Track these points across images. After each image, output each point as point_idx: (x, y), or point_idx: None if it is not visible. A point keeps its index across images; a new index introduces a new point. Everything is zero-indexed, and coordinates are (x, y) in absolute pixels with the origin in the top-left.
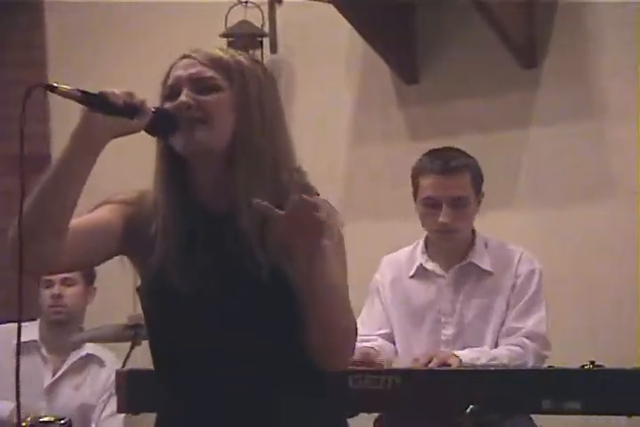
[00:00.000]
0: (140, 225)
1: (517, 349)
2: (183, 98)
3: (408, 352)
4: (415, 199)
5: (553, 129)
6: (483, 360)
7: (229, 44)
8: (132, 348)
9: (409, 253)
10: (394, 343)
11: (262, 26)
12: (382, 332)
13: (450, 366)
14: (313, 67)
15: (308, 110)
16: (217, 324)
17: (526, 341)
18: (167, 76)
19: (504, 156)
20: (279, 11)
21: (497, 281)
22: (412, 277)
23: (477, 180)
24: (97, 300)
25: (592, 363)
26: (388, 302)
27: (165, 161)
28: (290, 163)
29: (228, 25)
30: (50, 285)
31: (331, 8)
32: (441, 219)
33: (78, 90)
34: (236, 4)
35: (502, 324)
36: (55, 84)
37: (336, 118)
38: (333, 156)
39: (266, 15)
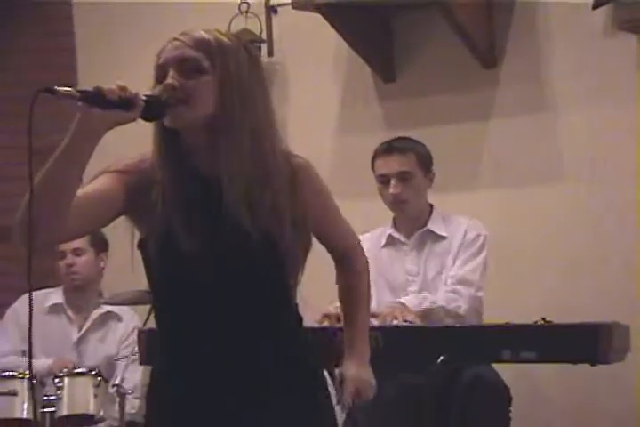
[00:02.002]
0: (141, 189)
1: (451, 294)
2: (169, 80)
3: (381, 308)
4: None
5: (510, 121)
6: (425, 305)
7: None
8: (150, 310)
9: (379, 231)
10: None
11: (260, 33)
12: None
13: (412, 322)
14: (304, 68)
15: (300, 105)
16: (218, 279)
17: (459, 287)
18: (158, 57)
19: (468, 144)
20: (275, 20)
21: (449, 243)
22: (383, 246)
23: (424, 160)
24: (123, 267)
25: (543, 319)
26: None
27: (160, 134)
28: (270, 134)
29: (231, 32)
30: (63, 256)
31: (319, 17)
32: (390, 190)
33: (77, 90)
34: (237, 14)
35: None
36: (55, 88)
37: (324, 112)
38: (322, 144)
39: (263, 24)
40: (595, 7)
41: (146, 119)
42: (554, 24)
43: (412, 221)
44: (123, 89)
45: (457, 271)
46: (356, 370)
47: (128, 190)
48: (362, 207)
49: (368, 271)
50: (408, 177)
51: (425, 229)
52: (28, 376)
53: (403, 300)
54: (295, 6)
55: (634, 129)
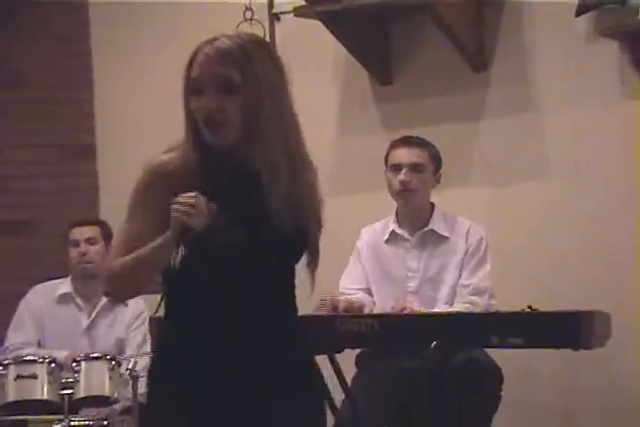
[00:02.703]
0: (176, 188)
1: (468, 305)
2: (208, 104)
3: (382, 301)
4: (385, 171)
5: (499, 122)
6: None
7: None
8: (162, 299)
9: (382, 224)
10: (372, 295)
11: (264, 38)
12: (362, 287)
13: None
14: (305, 72)
15: (302, 107)
16: (251, 269)
17: (474, 298)
18: (189, 67)
19: (460, 143)
20: (277, 26)
21: (451, 245)
22: (385, 241)
23: (436, 159)
24: None
25: (530, 307)
26: (366, 263)
27: (195, 133)
28: (296, 132)
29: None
30: (76, 244)
31: (319, 24)
32: (401, 177)
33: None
34: (242, 21)
35: (456, 280)
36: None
37: (324, 113)
38: (322, 144)
39: (267, 30)
40: (577, 15)
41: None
42: (540, 31)
43: (415, 217)
44: (201, 211)
45: (469, 281)
46: None
47: (163, 198)
48: (359, 204)
49: None
50: (420, 169)
51: (428, 229)
52: (48, 361)
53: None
54: (297, 14)
55: (616, 130)
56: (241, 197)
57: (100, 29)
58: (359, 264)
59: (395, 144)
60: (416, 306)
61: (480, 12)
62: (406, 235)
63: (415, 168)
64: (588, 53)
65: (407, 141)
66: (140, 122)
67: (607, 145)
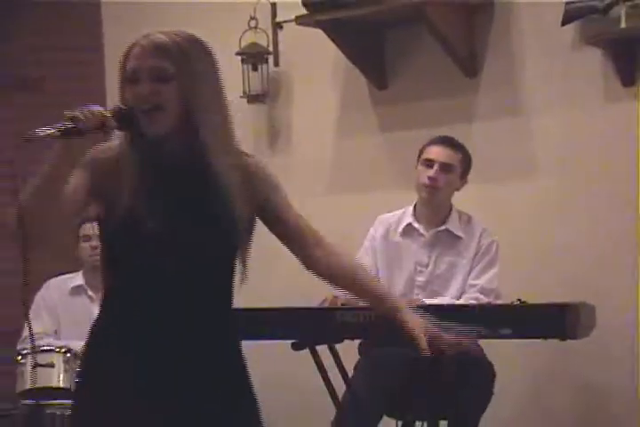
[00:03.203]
0: (105, 174)
1: (473, 302)
2: (141, 89)
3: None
4: (417, 164)
5: (490, 123)
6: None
7: (243, 61)
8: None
9: (398, 215)
10: None
11: (268, 46)
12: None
13: None
14: (307, 77)
15: (303, 110)
16: (172, 253)
17: (480, 295)
18: (125, 59)
19: None
20: (281, 34)
21: (463, 245)
22: (401, 233)
23: (466, 164)
24: None
25: (519, 300)
26: (377, 253)
27: (133, 135)
28: (229, 127)
29: (242, 45)
30: (88, 239)
31: (320, 32)
32: (430, 173)
33: (55, 130)
34: (247, 30)
35: (464, 279)
36: (33, 136)
37: (324, 116)
38: (322, 144)
39: (270, 38)
40: (563, 24)
41: (122, 130)
42: (528, 39)
43: (433, 215)
44: (95, 115)
45: (476, 281)
46: (413, 316)
47: (92, 178)
48: (357, 202)
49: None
50: (449, 169)
51: (443, 228)
52: (64, 351)
53: (426, 301)
54: (298, 23)
55: (600, 132)
56: (169, 186)
57: (113, 30)
58: (370, 253)
59: (432, 141)
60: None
61: (471, 22)
62: (422, 230)
63: (445, 168)
64: (573, 60)
65: (444, 141)
66: None
67: (591, 145)
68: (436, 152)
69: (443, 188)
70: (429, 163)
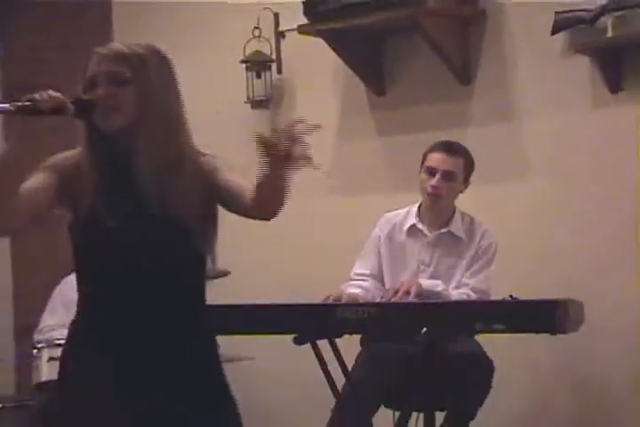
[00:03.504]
0: (69, 178)
1: (464, 296)
2: (102, 90)
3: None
4: (420, 170)
5: (483, 128)
6: (439, 288)
7: (247, 68)
8: None
9: (402, 215)
10: (381, 282)
11: (271, 54)
12: (373, 273)
13: (409, 293)
14: (308, 83)
15: (305, 115)
16: (134, 252)
17: (471, 292)
18: (85, 69)
19: None
20: (283, 43)
21: (464, 246)
22: (405, 232)
23: (469, 168)
24: None
25: (511, 296)
26: (382, 251)
27: (89, 133)
28: (182, 129)
29: (246, 53)
30: None
31: (321, 41)
32: (434, 183)
33: (13, 105)
34: (251, 38)
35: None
36: None
37: (325, 120)
38: (323, 148)
39: (273, 46)
40: (553, 33)
41: (79, 117)
42: (519, 47)
43: (436, 218)
44: (53, 98)
45: (469, 280)
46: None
47: (60, 181)
48: (356, 204)
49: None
50: (452, 177)
51: (446, 230)
52: None
53: (420, 280)
54: (300, 32)
55: (588, 135)
56: (118, 189)
57: (123, 27)
58: (375, 251)
59: (435, 147)
60: (414, 289)
61: (465, 31)
62: (425, 231)
63: (447, 176)
64: (562, 67)
65: (447, 148)
66: None
67: (580, 148)
68: (438, 160)
69: (446, 195)
70: (432, 171)
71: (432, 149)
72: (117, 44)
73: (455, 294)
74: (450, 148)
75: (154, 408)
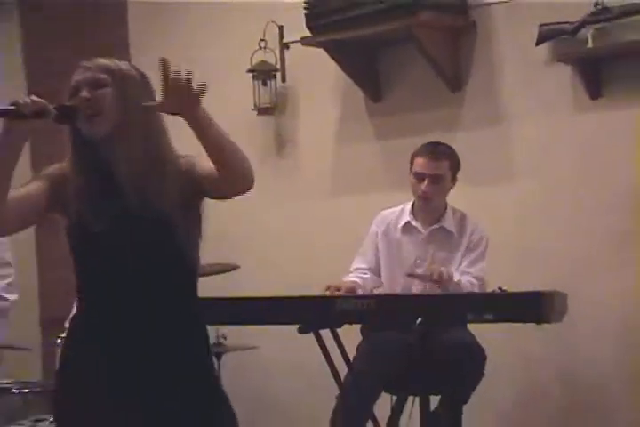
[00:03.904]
0: (60, 186)
1: (468, 284)
2: (84, 93)
3: (390, 282)
4: (410, 172)
5: (473, 132)
6: (456, 278)
7: (253, 77)
8: None
9: (397, 212)
10: (379, 275)
11: (276, 64)
12: (371, 267)
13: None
14: (310, 91)
15: (308, 120)
16: (122, 253)
17: (474, 280)
18: (71, 80)
19: None
20: (287, 54)
21: (457, 240)
22: (400, 229)
23: (455, 167)
24: None
25: (500, 288)
26: (380, 247)
27: (74, 140)
28: (159, 134)
29: (253, 63)
30: None
31: (322, 52)
32: (423, 188)
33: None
34: (257, 50)
35: (456, 270)
36: None
37: (326, 126)
38: (325, 152)
39: (278, 57)
40: (537, 44)
41: (60, 122)
42: (506, 57)
43: (429, 215)
44: (35, 102)
45: (469, 269)
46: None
47: (51, 189)
48: (356, 203)
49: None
50: (439, 180)
51: (439, 226)
52: None
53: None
54: (303, 43)
55: (570, 138)
56: (103, 193)
57: (139, 28)
58: (373, 246)
59: (420, 152)
60: (436, 285)
61: (456, 42)
62: (420, 227)
63: (435, 180)
64: (546, 76)
65: (432, 152)
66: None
67: (563, 151)
68: (425, 166)
69: (436, 197)
70: (420, 176)
71: (418, 153)
72: (100, 58)
73: (464, 281)
74: (435, 151)
75: (147, 408)
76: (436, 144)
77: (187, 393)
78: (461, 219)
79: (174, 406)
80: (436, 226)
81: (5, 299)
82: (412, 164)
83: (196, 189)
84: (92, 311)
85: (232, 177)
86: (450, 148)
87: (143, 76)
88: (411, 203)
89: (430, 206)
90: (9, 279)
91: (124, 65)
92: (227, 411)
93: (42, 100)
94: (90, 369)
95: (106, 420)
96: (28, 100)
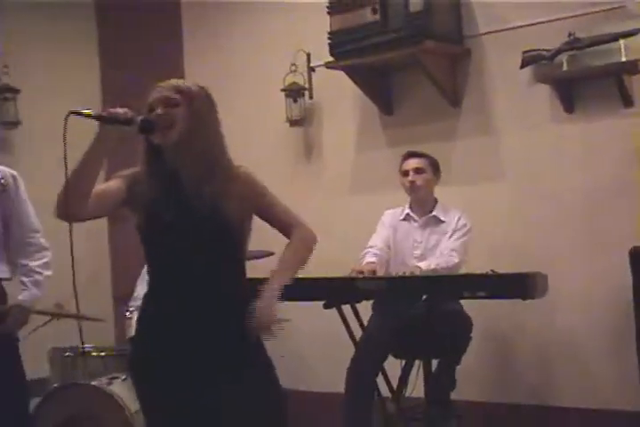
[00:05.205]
0: (134, 187)
1: (448, 253)
2: (158, 111)
3: (396, 260)
4: (400, 174)
5: (468, 142)
6: (431, 267)
7: (286, 95)
8: None
9: (399, 210)
10: (389, 248)
11: (304, 84)
12: (385, 244)
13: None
14: (333, 107)
15: (331, 132)
16: (188, 241)
17: (453, 253)
18: (148, 99)
19: (441, 157)
20: (314, 75)
21: (445, 226)
22: (402, 219)
23: (433, 164)
24: None
25: (492, 270)
26: (390, 233)
27: (147, 147)
28: (217, 147)
29: (285, 84)
30: None
31: (343, 74)
32: (409, 178)
33: (96, 113)
34: (289, 73)
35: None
36: (82, 111)
37: (346, 136)
38: (345, 158)
39: (306, 78)
40: (522, 67)
41: (141, 132)
42: (496, 78)
43: (422, 207)
44: (125, 112)
45: (451, 245)
46: (262, 302)
47: (128, 188)
48: (371, 201)
49: (306, 240)
50: (421, 171)
51: (431, 215)
52: None
53: (419, 264)
54: (327, 67)
55: (549, 147)
56: (171, 192)
57: (192, 29)
58: (384, 229)
59: (404, 156)
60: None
61: (454, 66)
62: (416, 217)
63: (417, 171)
64: (528, 94)
65: (411, 154)
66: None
67: (543, 158)
68: (408, 163)
69: (421, 185)
70: (405, 172)
71: (403, 158)
72: (174, 79)
73: (442, 258)
74: (413, 152)
75: (205, 366)
76: (414, 150)
77: (241, 365)
78: (449, 210)
79: (229, 373)
80: (429, 215)
81: (41, 273)
82: (400, 168)
83: (252, 209)
84: (160, 291)
85: None
86: (427, 153)
87: (208, 95)
88: (409, 203)
89: (420, 195)
90: (45, 259)
91: (193, 86)
92: (268, 363)
93: (130, 112)
94: (158, 338)
95: (171, 375)
96: (120, 110)
